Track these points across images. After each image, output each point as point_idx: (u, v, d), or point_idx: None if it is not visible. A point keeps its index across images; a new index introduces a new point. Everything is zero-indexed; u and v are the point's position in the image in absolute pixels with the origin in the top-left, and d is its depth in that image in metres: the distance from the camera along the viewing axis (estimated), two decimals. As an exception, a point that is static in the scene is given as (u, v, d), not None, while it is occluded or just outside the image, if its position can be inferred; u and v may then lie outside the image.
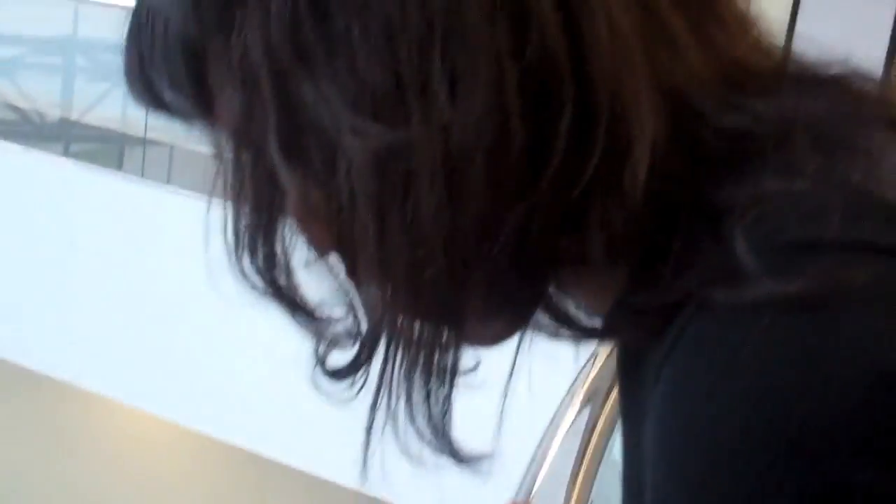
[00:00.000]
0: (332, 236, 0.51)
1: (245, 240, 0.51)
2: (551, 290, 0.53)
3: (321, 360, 0.55)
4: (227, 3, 0.48)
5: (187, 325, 4.85)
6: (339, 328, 0.54)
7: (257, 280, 0.52)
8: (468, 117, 0.45)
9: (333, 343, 0.55)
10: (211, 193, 0.52)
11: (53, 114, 7.35)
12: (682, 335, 0.43)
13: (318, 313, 0.54)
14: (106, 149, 7.21)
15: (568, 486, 1.59)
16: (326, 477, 4.51)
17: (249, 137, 0.49)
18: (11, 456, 5.89)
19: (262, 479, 5.68)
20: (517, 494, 1.58)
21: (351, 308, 0.54)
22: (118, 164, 6.77)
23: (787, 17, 6.06)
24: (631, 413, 0.54)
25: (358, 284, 0.52)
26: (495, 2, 0.45)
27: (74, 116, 7.24)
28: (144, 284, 5.06)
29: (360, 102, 0.46)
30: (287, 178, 0.49)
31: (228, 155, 0.51)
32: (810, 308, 0.39)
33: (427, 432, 0.52)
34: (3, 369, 5.35)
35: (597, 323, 0.54)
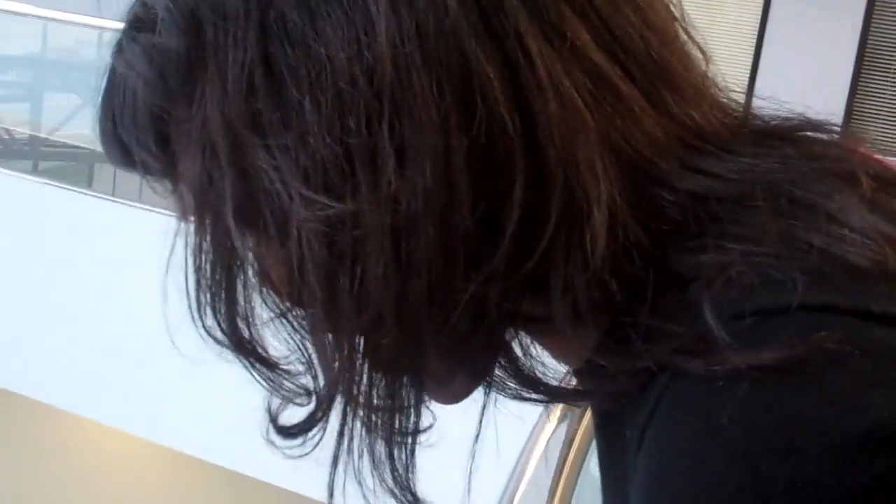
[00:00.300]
0: (286, 298, 0.53)
1: (207, 296, 0.52)
2: (517, 353, 0.54)
3: (274, 418, 0.56)
4: (189, 72, 0.50)
5: (158, 344, 4.81)
6: (298, 384, 0.55)
7: (219, 334, 0.53)
8: (415, 189, 0.46)
9: (290, 399, 0.55)
10: (171, 251, 0.53)
11: (22, 132, 7.29)
12: (660, 403, 0.44)
13: (277, 368, 0.54)
14: (75, 167, 7.16)
15: (547, 500, 1.58)
16: (298, 491, 4.49)
17: (209, 200, 0.51)
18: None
19: (237, 494, 5.64)
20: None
21: (310, 366, 0.54)
22: (88, 182, 6.73)
23: (748, 69, 6.12)
24: (611, 471, 0.55)
25: (314, 344, 0.53)
26: (442, 77, 0.47)
27: (44, 134, 7.18)
28: (115, 302, 5.02)
29: (312, 173, 0.47)
30: (241, 242, 0.51)
31: (191, 214, 0.52)
32: (783, 375, 0.40)
33: (393, 488, 0.54)
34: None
35: (565, 384, 0.54)
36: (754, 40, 6.13)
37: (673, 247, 0.48)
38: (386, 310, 0.48)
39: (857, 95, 6.00)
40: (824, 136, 0.53)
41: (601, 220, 0.47)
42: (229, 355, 0.54)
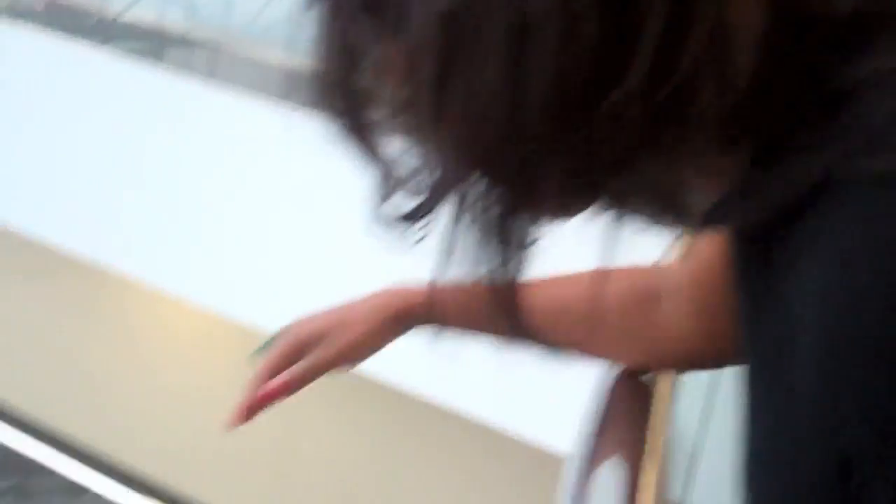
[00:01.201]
0: (402, 90, 0.52)
1: (331, 76, 0.53)
2: (662, 172, 0.52)
3: (383, 199, 0.55)
4: None
5: (221, 217, 4.85)
6: (410, 176, 0.54)
7: (343, 117, 0.53)
8: None
9: (398, 186, 0.54)
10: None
11: (91, 10, 7.21)
12: (829, 209, 0.42)
13: (394, 158, 0.54)
14: (145, 48, 7.13)
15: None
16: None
17: None
18: (35, 333, 5.87)
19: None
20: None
21: (425, 161, 0.53)
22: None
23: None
24: (755, 298, 0.53)
25: (432, 143, 0.52)
26: None
27: (112, 15, 7.10)
28: (181, 175, 5.00)
29: None
30: (361, 27, 0.50)
31: None
32: None
33: (498, 310, 0.53)
34: (40, 252, 5.36)
35: (709, 207, 0.52)
36: None
37: (824, 65, 0.46)
38: (496, 113, 0.46)
39: None
40: None
41: (746, 41, 0.45)
42: (348, 145, 0.54)
